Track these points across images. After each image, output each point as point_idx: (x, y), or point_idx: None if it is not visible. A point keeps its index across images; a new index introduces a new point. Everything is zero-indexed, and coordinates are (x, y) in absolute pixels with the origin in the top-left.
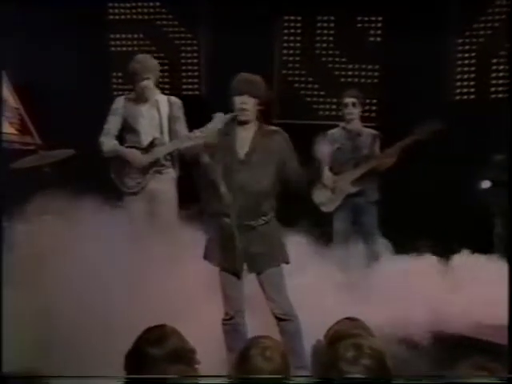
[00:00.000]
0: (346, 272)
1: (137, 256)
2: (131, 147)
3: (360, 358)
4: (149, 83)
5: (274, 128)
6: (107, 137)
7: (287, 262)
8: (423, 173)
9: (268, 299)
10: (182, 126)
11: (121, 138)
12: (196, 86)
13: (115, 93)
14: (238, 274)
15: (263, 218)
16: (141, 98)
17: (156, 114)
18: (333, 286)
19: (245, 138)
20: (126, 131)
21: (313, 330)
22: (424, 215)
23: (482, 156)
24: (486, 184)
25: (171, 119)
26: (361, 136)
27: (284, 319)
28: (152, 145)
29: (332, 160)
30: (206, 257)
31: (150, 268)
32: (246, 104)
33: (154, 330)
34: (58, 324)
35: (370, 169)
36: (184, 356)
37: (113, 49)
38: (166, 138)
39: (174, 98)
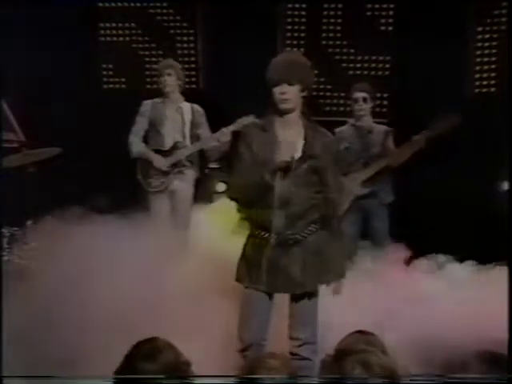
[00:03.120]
0: (354, 280)
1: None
2: (155, 149)
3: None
4: (169, 79)
5: (321, 128)
6: (136, 138)
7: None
8: (439, 173)
9: (291, 328)
10: (205, 131)
11: (145, 137)
12: (193, 79)
13: (105, 86)
14: (269, 294)
15: (310, 228)
16: (165, 98)
17: (179, 119)
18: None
19: (288, 136)
20: (151, 132)
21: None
22: (439, 219)
23: (503, 155)
24: (506, 186)
25: (194, 125)
26: (372, 133)
27: (301, 358)
28: (174, 147)
29: (340, 160)
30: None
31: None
32: (287, 93)
33: (145, 344)
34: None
35: (382, 168)
36: (179, 370)
37: (102, 39)
38: (188, 141)
39: (196, 106)
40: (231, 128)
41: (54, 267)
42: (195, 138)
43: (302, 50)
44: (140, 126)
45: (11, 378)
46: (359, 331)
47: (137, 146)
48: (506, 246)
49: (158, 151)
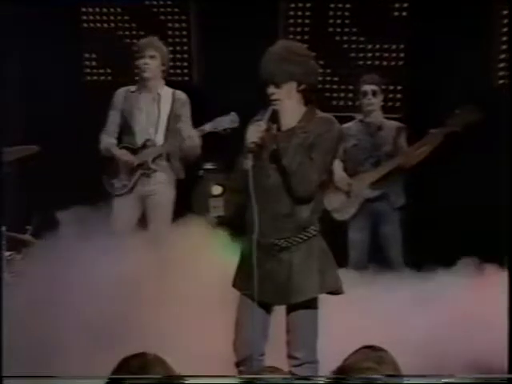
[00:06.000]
0: (363, 290)
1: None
2: (125, 147)
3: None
4: (152, 63)
5: (325, 115)
6: (107, 134)
7: (335, 293)
8: (457, 173)
9: (288, 345)
10: (185, 125)
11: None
12: (186, 71)
13: (88, 78)
14: (265, 304)
15: (303, 233)
16: (141, 86)
17: (155, 110)
18: (348, 307)
19: (284, 125)
20: (123, 127)
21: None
22: (458, 223)
23: None
24: None
25: (173, 117)
26: (382, 130)
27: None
28: (143, 146)
29: (347, 159)
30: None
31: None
32: (275, 95)
33: (133, 360)
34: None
35: (394, 168)
36: None
37: (85, 25)
38: (160, 138)
39: (179, 93)
40: (207, 128)
41: (30, 278)
42: (173, 133)
43: (306, 37)
44: (112, 120)
45: (11, 377)
46: (369, 346)
47: (104, 142)
48: None
49: (127, 149)
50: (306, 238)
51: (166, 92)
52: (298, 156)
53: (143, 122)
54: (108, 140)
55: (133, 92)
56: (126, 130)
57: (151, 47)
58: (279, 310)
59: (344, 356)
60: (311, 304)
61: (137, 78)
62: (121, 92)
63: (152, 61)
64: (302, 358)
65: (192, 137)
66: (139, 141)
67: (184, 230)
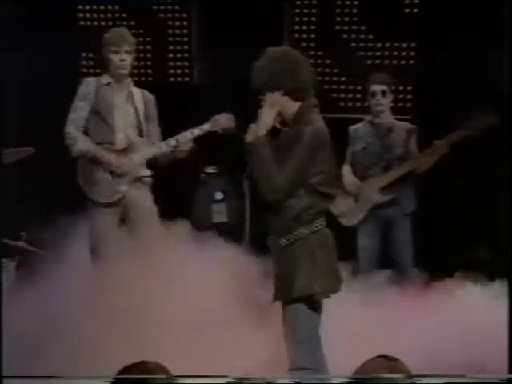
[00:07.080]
0: (373, 300)
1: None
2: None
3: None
4: (128, 57)
5: (311, 117)
6: (76, 130)
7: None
8: (473, 178)
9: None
10: (155, 127)
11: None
12: (186, 71)
13: (85, 78)
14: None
15: (288, 235)
16: (116, 81)
17: (131, 109)
18: (357, 316)
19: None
20: (95, 123)
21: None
22: (473, 231)
23: None
24: None
25: (146, 118)
26: (392, 132)
27: None
28: (130, 147)
29: (355, 162)
30: None
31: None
32: (263, 101)
33: (134, 368)
34: None
35: (405, 173)
36: None
37: (82, 23)
38: (146, 139)
39: (147, 93)
40: (206, 128)
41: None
42: (148, 134)
43: (312, 36)
44: (80, 113)
45: (11, 377)
46: (383, 356)
47: (83, 141)
48: None
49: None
50: (291, 239)
51: (136, 91)
52: (267, 162)
53: (122, 120)
54: (85, 138)
55: (105, 85)
56: (100, 127)
57: (125, 42)
58: None
59: (355, 364)
60: (305, 304)
61: (136, 78)
62: (91, 82)
63: (128, 56)
64: (298, 364)
65: (157, 136)
66: (120, 142)
67: (178, 234)
